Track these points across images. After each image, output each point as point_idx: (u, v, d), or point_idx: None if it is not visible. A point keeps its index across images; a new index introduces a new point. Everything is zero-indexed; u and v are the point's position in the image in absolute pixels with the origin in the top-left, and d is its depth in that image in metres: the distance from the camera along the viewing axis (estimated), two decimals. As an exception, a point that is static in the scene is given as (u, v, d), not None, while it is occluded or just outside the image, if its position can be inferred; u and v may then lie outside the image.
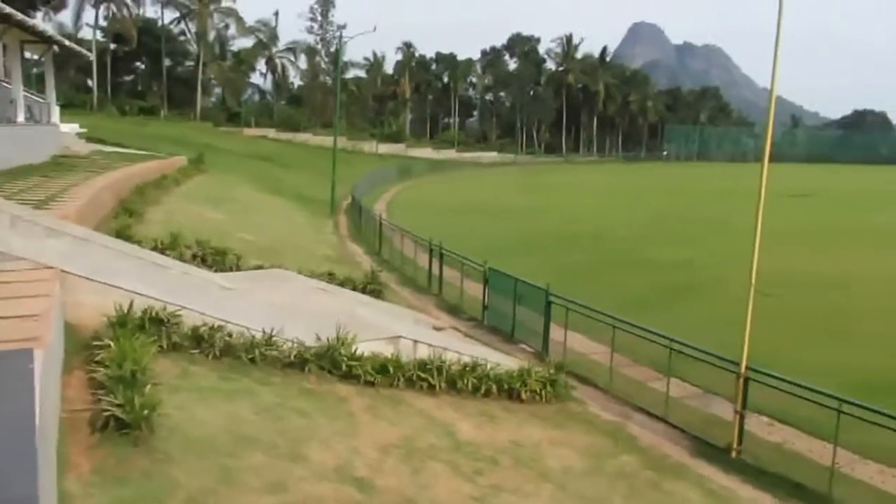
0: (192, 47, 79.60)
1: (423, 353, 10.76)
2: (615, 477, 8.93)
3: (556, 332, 14.23)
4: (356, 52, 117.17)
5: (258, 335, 9.16)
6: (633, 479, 9.04)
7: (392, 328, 11.78)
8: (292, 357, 9.14)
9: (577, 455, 9.37)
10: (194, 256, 14.47)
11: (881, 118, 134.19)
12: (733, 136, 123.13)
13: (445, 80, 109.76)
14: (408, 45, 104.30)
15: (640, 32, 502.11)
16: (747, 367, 10.05)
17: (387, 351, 10.24)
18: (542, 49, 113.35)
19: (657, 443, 10.55)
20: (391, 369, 9.70)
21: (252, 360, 8.77)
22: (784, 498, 9.13)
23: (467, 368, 10.61)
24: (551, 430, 10.12)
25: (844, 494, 9.05)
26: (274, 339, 9.19)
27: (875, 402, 11.21)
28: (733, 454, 10.11)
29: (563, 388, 11.66)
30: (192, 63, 79.90)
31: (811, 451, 10.32)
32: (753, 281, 9.92)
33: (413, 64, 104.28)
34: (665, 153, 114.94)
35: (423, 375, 9.98)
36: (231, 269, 14.57)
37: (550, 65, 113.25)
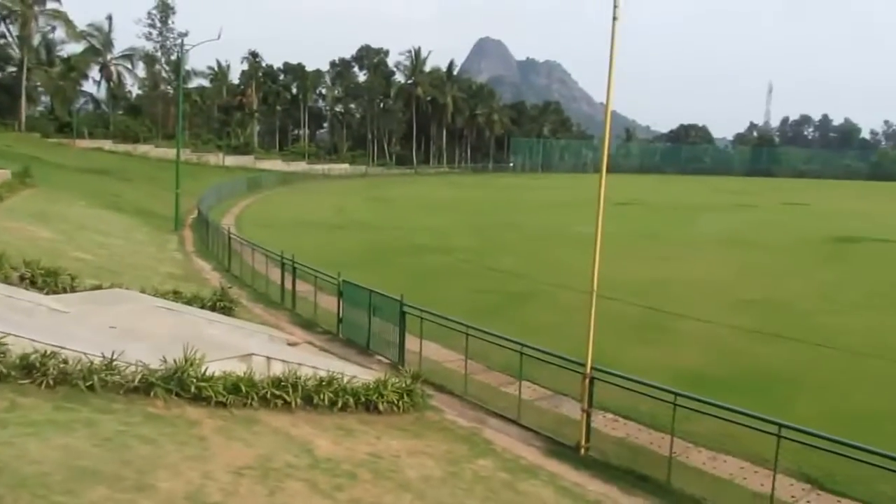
0: (15, 51, 72.99)
1: (277, 370, 10.50)
2: (472, 482, 9.14)
3: (411, 342, 14.35)
4: (199, 60, 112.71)
5: (97, 360, 8.56)
6: (490, 482, 9.29)
7: (244, 346, 11.42)
8: (136, 381, 8.61)
9: (436, 463, 9.49)
10: (22, 278, 13.32)
11: (704, 131, 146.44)
12: (574, 148, 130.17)
13: (294, 90, 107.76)
14: (254, 55, 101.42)
15: (485, 48, 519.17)
16: (592, 368, 10.62)
17: (239, 369, 9.89)
18: (391, 62, 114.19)
19: (511, 445, 10.90)
20: (244, 388, 9.37)
21: (91, 388, 8.17)
22: (628, 489, 9.71)
23: (323, 383, 10.46)
24: (409, 439, 10.19)
25: (681, 481, 9.77)
26: (115, 363, 8.62)
27: (699, 393, 12.25)
28: (582, 451, 10.64)
29: (420, 397, 11.79)
30: (14, 69, 73.23)
31: (652, 442, 11.08)
32: (595, 286, 10.52)
33: (260, 74, 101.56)
34: (512, 165, 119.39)
35: (277, 393, 9.73)
36: (65, 291, 13.54)
37: (400, 77, 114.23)
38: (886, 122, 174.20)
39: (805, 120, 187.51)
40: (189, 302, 15.16)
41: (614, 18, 9.21)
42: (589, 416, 10.70)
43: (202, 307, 15.17)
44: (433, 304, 15.84)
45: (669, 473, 9.78)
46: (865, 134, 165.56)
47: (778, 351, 16.06)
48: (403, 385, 11.48)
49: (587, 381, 10.59)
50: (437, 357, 14.67)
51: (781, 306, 20.48)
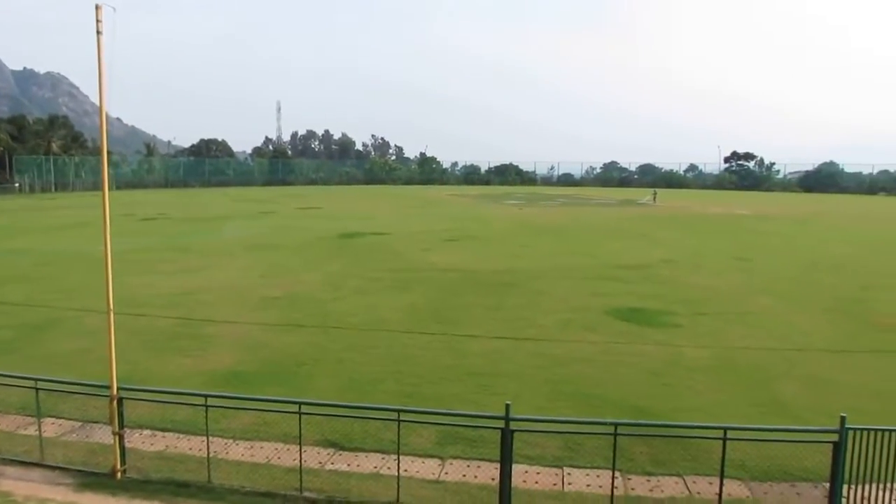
0: None
1: None
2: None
3: None
4: None
5: None
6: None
7: None
8: None
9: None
10: None
11: (224, 146, 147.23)
12: (92, 164, 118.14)
13: None
14: None
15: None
16: (119, 388, 9.87)
17: None
18: None
19: (36, 490, 9.50)
20: None
21: None
22: (171, 499, 9.34)
23: None
24: None
25: (222, 476, 9.80)
26: None
27: (234, 390, 12.52)
28: (119, 475, 9.83)
29: None
30: None
31: (191, 448, 10.82)
32: (111, 304, 9.78)
33: None
34: (18, 185, 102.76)
35: None
36: None
37: None
38: (373, 136, 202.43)
39: (311, 135, 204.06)
40: None
41: (98, 32, 8.63)
42: (122, 437, 9.93)
43: None
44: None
45: (209, 473, 9.72)
46: (359, 146, 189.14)
47: (300, 338, 17.18)
48: None
49: (115, 402, 9.81)
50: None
51: (301, 299, 21.96)
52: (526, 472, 10.11)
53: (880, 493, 8.58)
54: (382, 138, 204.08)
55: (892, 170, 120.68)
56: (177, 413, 11.44)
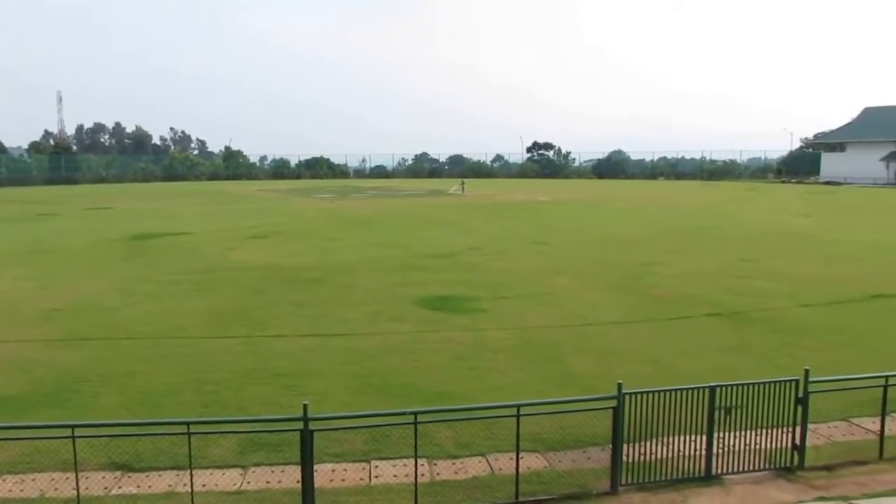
0: None
1: None
2: None
3: None
4: None
5: None
6: None
7: None
8: None
9: None
10: None
11: None
12: None
13: None
14: None
15: None
16: None
17: None
18: None
19: None
20: None
21: None
22: (-86, 554, 8.07)
23: None
24: None
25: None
26: None
27: (5, 418, 11.10)
28: None
29: None
30: None
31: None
32: None
33: None
34: None
35: None
36: None
37: None
38: (172, 129, 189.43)
39: (100, 128, 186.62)
40: None
41: None
42: None
43: None
44: None
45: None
46: (157, 140, 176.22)
47: (84, 353, 15.59)
48: None
49: None
50: None
51: (86, 309, 19.97)
52: (333, 470, 9.99)
53: (656, 447, 9.53)
54: (183, 132, 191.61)
55: (669, 156, 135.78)
56: None
